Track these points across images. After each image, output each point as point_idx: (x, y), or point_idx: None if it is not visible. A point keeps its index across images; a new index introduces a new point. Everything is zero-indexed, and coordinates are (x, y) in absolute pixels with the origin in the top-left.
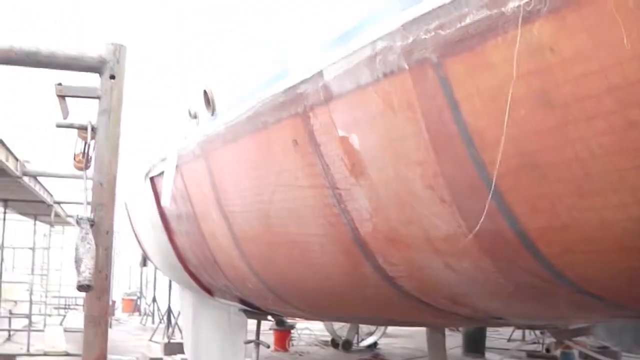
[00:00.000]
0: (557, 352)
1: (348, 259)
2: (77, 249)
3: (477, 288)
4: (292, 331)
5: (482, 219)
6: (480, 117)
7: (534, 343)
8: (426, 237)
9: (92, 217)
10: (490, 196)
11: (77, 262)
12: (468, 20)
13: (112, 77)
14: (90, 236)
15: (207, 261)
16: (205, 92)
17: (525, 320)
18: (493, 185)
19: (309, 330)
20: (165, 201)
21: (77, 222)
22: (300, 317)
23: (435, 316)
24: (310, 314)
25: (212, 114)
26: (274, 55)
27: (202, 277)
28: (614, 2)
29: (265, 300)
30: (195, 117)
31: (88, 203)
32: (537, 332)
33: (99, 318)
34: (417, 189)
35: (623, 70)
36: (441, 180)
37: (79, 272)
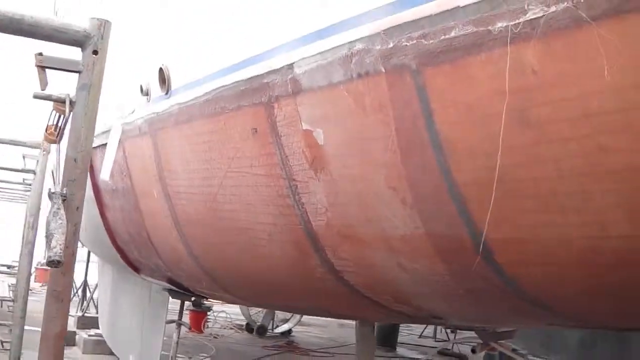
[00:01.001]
0: (482, 354)
1: (296, 250)
2: (48, 224)
3: (426, 289)
4: (207, 313)
5: (442, 224)
6: (454, 127)
7: (444, 341)
8: (382, 235)
9: (64, 192)
10: (453, 203)
11: (48, 237)
12: (453, 34)
13: (95, 52)
14: (62, 211)
15: (141, 239)
16: (161, 70)
17: (466, 322)
18: (457, 193)
19: (225, 314)
20: (105, 174)
21: (49, 197)
22: (233, 302)
23: (377, 312)
24: (248, 301)
25: (167, 93)
26: (241, 41)
27: (131, 253)
28: (599, 35)
29: (198, 283)
30: (147, 93)
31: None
32: (448, 330)
33: (62, 294)
34: (379, 189)
35: (600, 99)
36: (405, 183)
37: (49, 247)
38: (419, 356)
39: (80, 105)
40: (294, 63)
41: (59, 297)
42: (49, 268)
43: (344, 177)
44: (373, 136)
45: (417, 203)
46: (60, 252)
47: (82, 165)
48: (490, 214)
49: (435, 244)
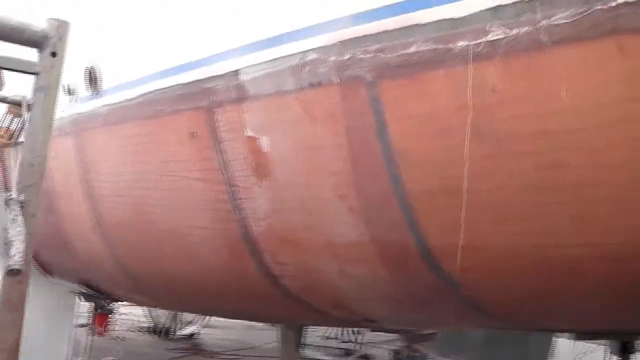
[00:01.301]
0: (406, 355)
1: (232, 254)
2: (7, 231)
3: (367, 294)
4: (110, 316)
5: (389, 231)
6: (408, 139)
7: (349, 342)
8: (325, 241)
9: (22, 198)
10: (402, 211)
11: (7, 244)
12: (412, 49)
13: (54, 54)
14: (21, 218)
15: (57, 241)
16: (90, 70)
17: (403, 325)
18: (407, 201)
19: (129, 316)
20: None
21: (7, 203)
22: (152, 305)
23: (312, 316)
24: (171, 305)
25: (95, 94)
26: (181, 45)
27: (44, 256)
28: (560, 59)
29: (117, 286)
30: (71, 93)
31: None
32: (355, 330)
33: (17, 304)
34: (326, 196)
35: (558, 118)
36: (353, 191)
37: (9, 256)
38: (325, 357)
39: (38, 108)
40: (240, 70)
41: (14, 306)
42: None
43: (289, 183)
44: (323, 145)
45: (364, 211)
46: (20, 261)
47: (39, 170)
48: (439, 223)
49: (380, 251)
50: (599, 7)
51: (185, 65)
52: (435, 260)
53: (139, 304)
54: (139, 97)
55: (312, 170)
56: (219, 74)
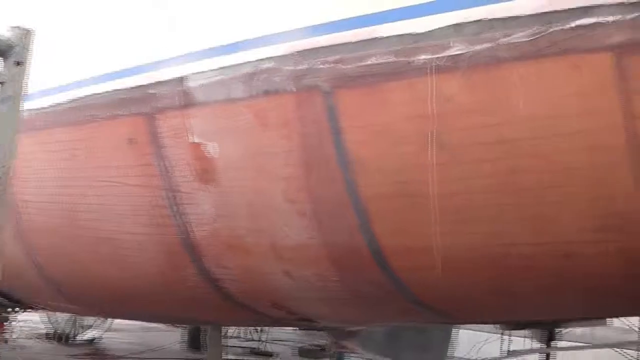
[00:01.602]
0: (333, 351)
1: (170, 260)
2: None
3: (311, 294)
4: (5, 324)
5: (341, 234)
6: (364, 146)
7: (252, 340)
8: (273, 245)
9: None
10: (355, 215)
11: None
12: (372, 61)
13: (18, 63)
14: None
15: None
16: None
17: (343, 323)
18: (361, 206)
19: (27, 323)
20: None
21: None
22: (76, 312)
23: (250, 317)
24: (99, 311)
25: None
26: (118, 50)
27: None
28: (518, 74)
29: (36, 294)
30: None
31: None
32: (258, 329)
33: None
34: (276, 201)
35: (514, 128)
36: (305, 196)
37: None
38: (229, 356)
39: (3, 118)
40: (187, 76)
41: None
42: None
43: (237, 188)
44: (274, 151)
45: (316, 215)
46: None
47: (4, 181)
48: (393, 226)
49: (330, 253)
50: (557, 28)
51: (124, 71)
52: (386, 261)
53: (64, 311)
54: (69, 102)
55: (261, 176)
56: (162, 79)
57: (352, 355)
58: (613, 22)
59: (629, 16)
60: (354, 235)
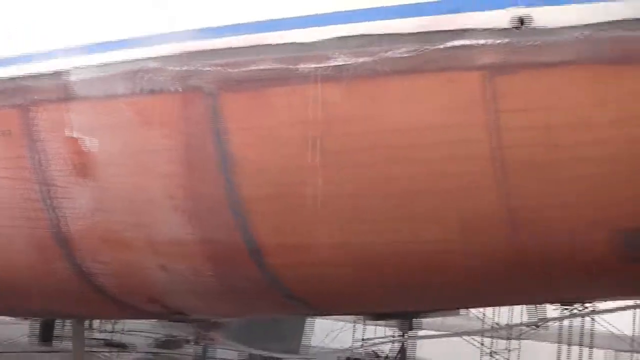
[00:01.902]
0: (197, 342)
1: (40, 253)
2: None
3: (186, 289)
4: None
5: (219, 231)
6: (247, 148)
7: (106, 332)
8: (151, 240)
9: None
10: (234, 213)
11: None
12: (257, 67)
13: None
14: None
15: None
16: None
17: (217, 316)
18: (240, 205)
19: None
20: None
21: None
22: None
23: (125, 311)
24: None
25: None
26: None
27: None
28: (397, 87)
29: None
30: None
31: None
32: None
33: None
34: (156, 197)
35: (392, 136)
36: (186, 193)
37: None
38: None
39: None
40: (67, 70)
41: None
42: None
43: (117, 184)
44: (156, 149)
45: (196, 212)
46: None
47: None
48: (272, 225)
49: (208, 249)
50: (433, 47)
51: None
52: (263, 259)
53: None
54: None
55: (141, 172)
56: (40, 72)
57: (216, 345)
58: (484, 45)
59: (498, 41)
60: (232, 233)
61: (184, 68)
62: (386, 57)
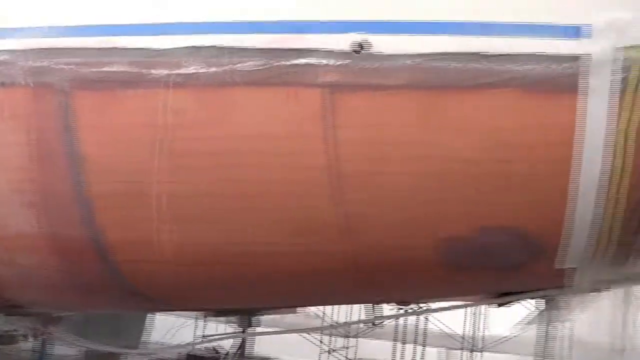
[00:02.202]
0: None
1: None
2: None
3: (28, 281)
4: None
5: (67, 226)
6: (95, 146)
7: None
8: None
9: None
10: (81, 209)
11: None
12: (110, 68)
13: None
14: None
15: None
16: None
17: (59, 310)
18: (87, 201)
19: None
20: None
21: None
22: None
23: None
24: None
25: None
26: None
27: None
28: (243, 97)
29: None
30: None
31: None
32: None
33: None
34: (4, 191)
35: (236, 142)
36: (34, 187)
37: None
38: None
39: None
40: None
41: None
42: None
43: None
44: (5, 142)
45: (45, 206)
46: None
47: None
48: (117, 222)
49: (55, 243)
50: (279, 63)
51: None
52: (108, 255)
53: None
54: None
55: None
56: None
57: (55, 342)
58: (326, 65)
59: (339, 62)
60: (79, 228)
61: (37, 64)
62: (235, 69)
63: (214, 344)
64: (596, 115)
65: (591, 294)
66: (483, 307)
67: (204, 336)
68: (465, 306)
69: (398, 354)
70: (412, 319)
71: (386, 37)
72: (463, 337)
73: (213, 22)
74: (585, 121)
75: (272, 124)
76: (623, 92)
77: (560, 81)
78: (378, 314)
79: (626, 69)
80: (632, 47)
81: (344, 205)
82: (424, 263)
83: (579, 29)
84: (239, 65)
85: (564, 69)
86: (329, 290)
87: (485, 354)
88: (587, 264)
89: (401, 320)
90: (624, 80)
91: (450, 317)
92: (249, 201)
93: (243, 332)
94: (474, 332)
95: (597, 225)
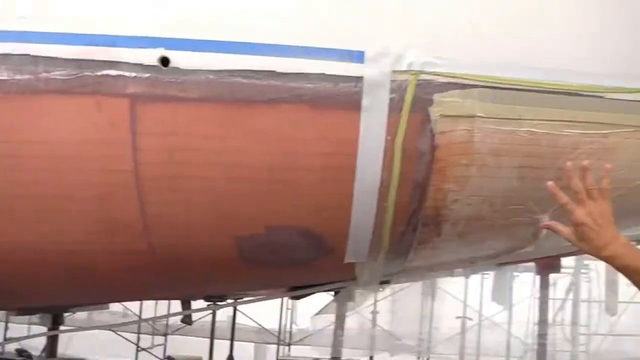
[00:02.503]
0: None
1: None
2: None
3: None
4: None
5: None
6: None
7: None
8: None
9: None
10: None
11: None
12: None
13: None
14: None
15: None
16: None
17: None
18: None
19: None
20: None
21: None
22: None
23: None
24: None
25: None
26: None
27: None
28: (54, 105)
29: None
30: None
31: None
32: None
33: None
34: None
35: (41, 147)
36: None
37: None
38: None
39: None
40: None
41: None
42: None
43: None
44: None
45: None
46: None
47: None
48: None
49: None
50: (88, 73)
51: None
52: None
53: None
54: None
55: None
56: None
57: None
58: (132, 76)
59: (144, 75)
60: None
61: None
62: (45, 77)
63: (19, 344)
64: (370, 131)
65: (378, 286)
66: (290, 302)
67: (6, 338)
68: (266, 299)
69: (214, 349)
70: (226, 316)
71: (185, 53)
72: (278, 332)
73: (26, 32)
74: (361, 136)
75: (80, 131)
76: (393, 110)
77: (343, 99)
78: (188, 310)
79: (395, 90)
80: (404, 71)
81: (146, 206)
82: (225, 260)
83: (360, 53)
84: (48, 74)
85: (348, 88)
86: (139, 286)
87: (294, 347)
88: (371, 260)
89: (218, 317)
90: (393, 100)
91: (264, 313)
92: (54, 202)
93: (49, 330)
94: (284, 326)
95: (372, 228)
